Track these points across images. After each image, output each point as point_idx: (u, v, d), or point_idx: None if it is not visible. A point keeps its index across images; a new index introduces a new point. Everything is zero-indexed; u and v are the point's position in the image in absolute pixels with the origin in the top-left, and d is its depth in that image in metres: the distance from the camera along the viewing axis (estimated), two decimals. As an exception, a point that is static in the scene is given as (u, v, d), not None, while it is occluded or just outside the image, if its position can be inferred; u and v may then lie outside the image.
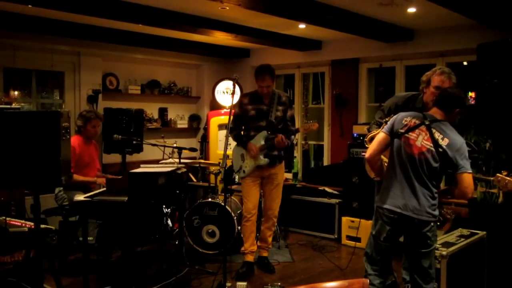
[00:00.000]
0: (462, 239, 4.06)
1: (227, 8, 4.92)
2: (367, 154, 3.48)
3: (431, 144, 3.24)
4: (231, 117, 4.64)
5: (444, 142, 3.22)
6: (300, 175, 7.47)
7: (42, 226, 3.60)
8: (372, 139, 3.86)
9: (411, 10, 4.99)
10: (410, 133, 3.30)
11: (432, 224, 3.30)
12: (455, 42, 5.79)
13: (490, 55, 4.96)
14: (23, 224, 3.77)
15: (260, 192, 5.04)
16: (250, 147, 4.77)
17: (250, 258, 4.91)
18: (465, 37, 5.64)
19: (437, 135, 3.25)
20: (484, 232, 4.27)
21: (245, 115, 4.85)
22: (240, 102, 4.99)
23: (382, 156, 3.65)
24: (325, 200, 6.44)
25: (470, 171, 3.25)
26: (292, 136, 4.89)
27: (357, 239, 5.70)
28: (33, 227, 3.50)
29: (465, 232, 4.31)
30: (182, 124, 7.84)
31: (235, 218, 5.23)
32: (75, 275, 4.64)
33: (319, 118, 7.59)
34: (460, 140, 3.27)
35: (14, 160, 3.11)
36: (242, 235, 4.96)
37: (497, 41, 4.98)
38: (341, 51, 6.89)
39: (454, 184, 3.34)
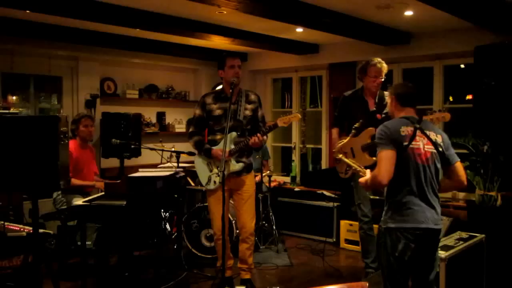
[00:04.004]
0: (461, 242, 4.06)
1: (225, 12, 4.93)
2: (385, 181, 2.99)
3: (432, 147, 3.11)
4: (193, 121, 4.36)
5: (439, 139, 3.14)
6: (298, 178, 7.47)
7: (41, 230, 3.59)
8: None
9: (408, 13, 5.01)
10: (413, 143, 3.07)
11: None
12: (453, 45, 5.80)
13: (488, 58, 4.97)
14: (22, 229, 3.77)
15: (231, 206, 4.57)
16: (216, 153, 4.20)
17: (228, 273, 4.42)
18: (462, 39, 5.65)
19: (432, 135, 3.13)
20: (483, 235, 4.27)
21: (209, 116, 4.33)
22: (202, 102, 4.39)
23: (341, 156, 3.66)
24: (324, 203, 6.44)
25: (459, 159, 3.20)
26: (265, 137, 4.25)
27: (356, 243, 5.70)
28: (31, 231, 3.50)
29: (464, 235, 4.31)
30: (180, 128, 7.83)
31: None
32: (74, 280, 4.65)
33: (316, 122, 7.61)
34: (444, 133, 3.23)
35: (13, 165, 3.10)
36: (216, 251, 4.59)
37: (494, 44, 5.00)
38: (338, 55, 6.90)
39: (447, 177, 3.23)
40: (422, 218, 3.02)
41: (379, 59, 4.58)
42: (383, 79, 4.60)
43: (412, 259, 3.03)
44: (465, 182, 3.19)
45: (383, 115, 4.46)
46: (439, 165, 3.13)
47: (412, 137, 3.05)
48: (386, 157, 3.02)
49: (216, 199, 4.23)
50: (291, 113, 4.24)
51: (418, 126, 3.10)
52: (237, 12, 4.58)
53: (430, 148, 3.10)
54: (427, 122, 3.23)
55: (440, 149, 3.11)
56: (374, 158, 3.35)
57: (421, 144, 3.07)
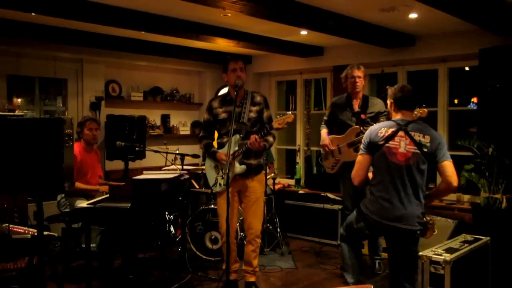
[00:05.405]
0: (466, 245, 4.05)
1: (229, 15, 4.94)
2: (356, 182, 3.48)
3: (415, 147, 3.21)
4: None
5: (426, 140, 3.22)
6: (302, 181, 7.47)
7: (45, 233, 3.60)
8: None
9: (413, 15, 5.00)
10: (390, 142, 3.27)
11: (418, 232, 3.31)
12: (457, 47, 5.79)
13: (492, 60, 4.96)
14: (26, 231, 3.78)
15: (238, 208, 4.60)
16: (219, 156, 4.27)
17: (233, 276, 4.45)
18: (466, 42, 5.64)
19: (417, 136, 3.24)
20: (488, 238, 4.26)
21: (216, 120, 4.40)
22: (209, 106, 4.48)
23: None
24: (328, 206, 6.42)
25: (451, 160, 3.25)
26: (270, 138, 4.31)
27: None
28: (36, 234, 3.51)
29: (469, 237, 4.30)
30: (185, 130, 7.85)
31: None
32: (78, 282, 4.65)
33: (321, 124, 7.58)
34: (439, 135, 3.32)
35: (18, 167, 3.12)
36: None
37: (499, 46, 4.99)
38: (343, 57, 6.89)
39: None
40: (386, 214, 3.25)
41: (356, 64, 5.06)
42: (362, 81, 5.00)
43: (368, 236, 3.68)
44: (454, 183, 3.23)
45: (368, 115, 4.90)
46: (423, 166, 3.23)
47: (390, 137, 3.27)
48: (359, 162, 3.44)
49: (224, 201, 4.15)
50: (287, 114, 4.33)
51: (402, 128, 3.28)
52: (241, 14, 4.59)
53: (412, 148, 3.22)
54: (418, 124, 3.35)
55: (425, 150, 3.20)
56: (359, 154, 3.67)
57: (402, 144, 3.24)
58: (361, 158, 3.42)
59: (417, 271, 3.71)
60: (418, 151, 3.20)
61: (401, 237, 3.30)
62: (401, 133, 3.27)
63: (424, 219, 3.31)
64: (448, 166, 3.21)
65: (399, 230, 3.25)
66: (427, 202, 3.47)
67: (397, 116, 3.40)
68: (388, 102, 3.57)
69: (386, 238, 3.56)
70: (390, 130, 3.29)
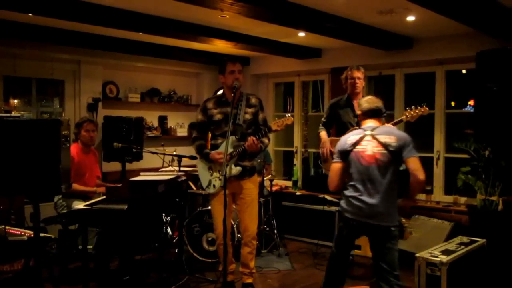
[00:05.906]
0: (462, 247, 4.06)
1: (227, 16, 4.94)
2: (331, 188, 3.71)
3: (382, 148, 3.44)
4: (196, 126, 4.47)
5: (392, 140, 3.44)
6: (300, 183, 7.47)
7: (42, 234, 3.59)
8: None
9: (410, 18, 5.01)
10: (357, 147, 3.53)
11: (392, 228, 3.45)
12: (454, 50, 5.80)
13: (489, 63, 4.97)
14: (23, 233, 3.77)
15: (233, 210, 4.61)
16: (214, 157, 4.27)
17: (230, 277, 4.42)
18: (464, 45, 5.65)
19: (383, 138, 3.46)
20: (484, 240, 4.27)
21: (210, 121, 4.38)
22: (203, 107, 4.44)
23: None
24: (325, 207, 6.43)
25: (416, 156, 3.42)
26: (266, 140, 4.34)
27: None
28: (32, 235, 3.50)
29: (465, 239, 4.32)
30: (182, 132, 7.84)
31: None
32: (75, 284, 4.62)
33: (318, 126, 7.58)
34: (405, 135, 3.52)
35: (14, 168, 3.11)
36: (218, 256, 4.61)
37: (496, 49, 5.00)
38: (340, 59, 6.90)
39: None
40: (360, 212, 3.48)
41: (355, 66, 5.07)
42: (362, 82, 5.02)
43: (350, 237, 3.69)
44: (420, 176, 3.38)
45: None
46: (393, 165, 3.45)
47: (356, 143, 3.55)
48: (333, 169, 3.69)
49: (218, 202, 4.21)
50: (285, 117, 4.42)
51: (368, 133, 3.55)
52: (239, 16, 4.59)
53: (379, 149, 3.46)
54: (384, 128, 3.64)
55: (391, 149, 3.43)
56: None
57: (368, 147, 3.50)
58: (334, 166, 3.68)
59: (414, 272, 3.75)
60: (385, 151, 3.42)
61: (374, 233, 3.49)
62: (367, 137, 3.52)
63: (397, 217, 3.52)
64: (413, 162, 3.39)
65: (371, 226, 3.45)
66: (407, 203, 3.62)
67: (366, 124, 3.65)
68: (358, 112, 3.87)
69: (365, 235, 3.71)
70: (357, 137, 3.56)
